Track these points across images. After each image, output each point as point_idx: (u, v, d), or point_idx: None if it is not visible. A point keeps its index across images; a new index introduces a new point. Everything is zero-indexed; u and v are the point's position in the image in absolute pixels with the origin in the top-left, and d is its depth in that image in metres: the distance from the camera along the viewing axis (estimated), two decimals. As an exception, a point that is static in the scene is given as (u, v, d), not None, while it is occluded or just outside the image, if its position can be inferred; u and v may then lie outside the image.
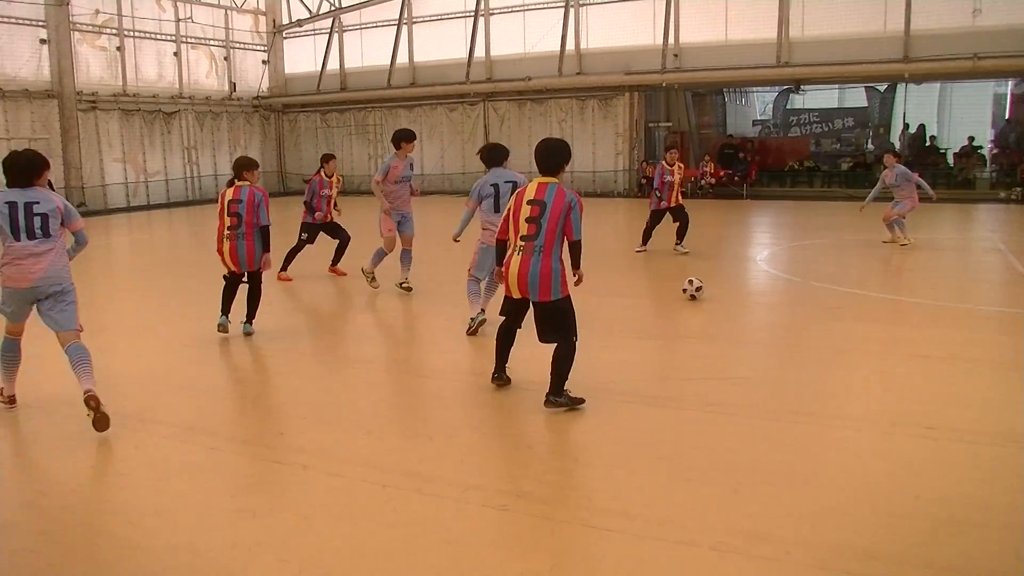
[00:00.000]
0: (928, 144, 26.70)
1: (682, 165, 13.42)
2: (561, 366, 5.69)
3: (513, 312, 5.99)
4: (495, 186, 7.92)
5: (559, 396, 5.71)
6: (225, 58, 28.80)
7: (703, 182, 24.17)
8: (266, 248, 7.98)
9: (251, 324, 8.25)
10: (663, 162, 13.30)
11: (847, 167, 26.36)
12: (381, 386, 6.78)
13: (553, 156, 5.79)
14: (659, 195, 13.11)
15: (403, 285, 10.30)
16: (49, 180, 5.88)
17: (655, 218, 13.35)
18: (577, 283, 5.83)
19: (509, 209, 5.82)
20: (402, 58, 28.22)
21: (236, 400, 6.60)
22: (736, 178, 24.83)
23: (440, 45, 27.55)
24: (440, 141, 27.86)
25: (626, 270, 12.26)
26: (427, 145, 27.51)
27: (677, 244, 13.23)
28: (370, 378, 7.02)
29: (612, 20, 24.99)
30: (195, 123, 27.29)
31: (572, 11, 25.27)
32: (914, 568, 3.59)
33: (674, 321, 9.09)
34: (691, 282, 9.57)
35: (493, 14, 26.79)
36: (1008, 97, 27.53)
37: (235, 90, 29.04)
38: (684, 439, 5.22)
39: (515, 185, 7.73)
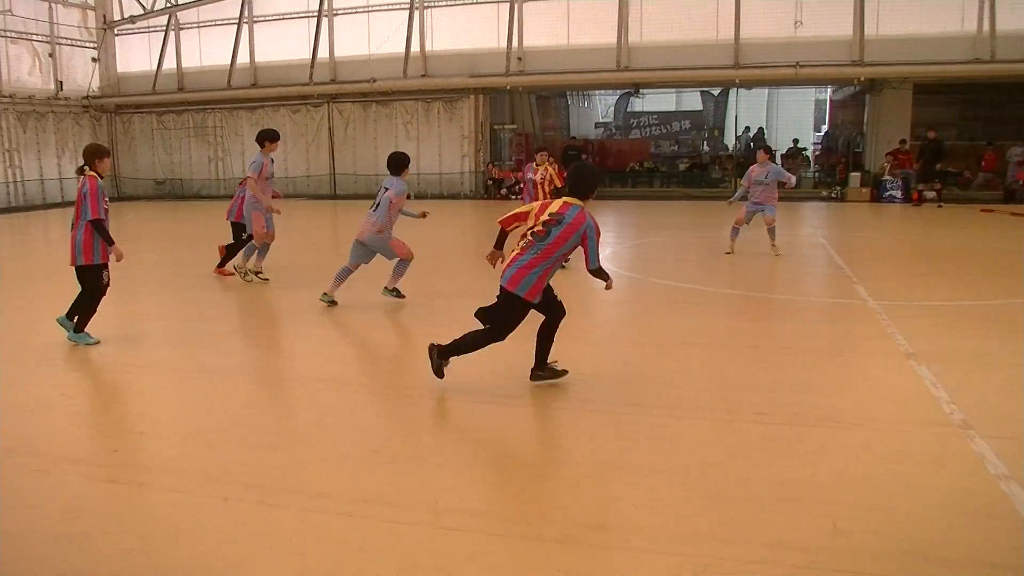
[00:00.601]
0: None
1: (548, 166, 13.70)
2: (468, 340, 6.05)
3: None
4: (379, 190, 9.14)
5: (439, 355, 6.03)
6: (50, 54, 27.04)
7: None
8: (107, 242, 7.49)
9: (70, 320, 7.73)
10: (533, 162, 13.61)
11: (684, 168, 27.64)
12: (224, 396, 6.52)
13: (584, 180, 6.05)
14: (524, 193, 13.54)
15: (259, 275, 10.99)
16: None
17: None
18: (608, 287, 6.24)
19: (530, 208, 6.15)
20: (243, 58, 27.33)
21: (64, 417, 6.20)
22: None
23: (283, 45, 26.90)
24: (283, 144, 26.83)
25: (472, 271, 12.32)
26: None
27: None
28: (213, 388, 6.74)
29: (457, 23, 25.14)
30: (17, 124, 25.51)
31: (417, 13, 25.23)
32: (744, 545, 3.80)
33: (522, 320, 9.24)
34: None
35: (337, 14, 26.39)
36: (828, 103, 29.58)
37: (62, 89, 27.33)
38: (529, 436, 5.32)
39: (386, 191, 9.01)
